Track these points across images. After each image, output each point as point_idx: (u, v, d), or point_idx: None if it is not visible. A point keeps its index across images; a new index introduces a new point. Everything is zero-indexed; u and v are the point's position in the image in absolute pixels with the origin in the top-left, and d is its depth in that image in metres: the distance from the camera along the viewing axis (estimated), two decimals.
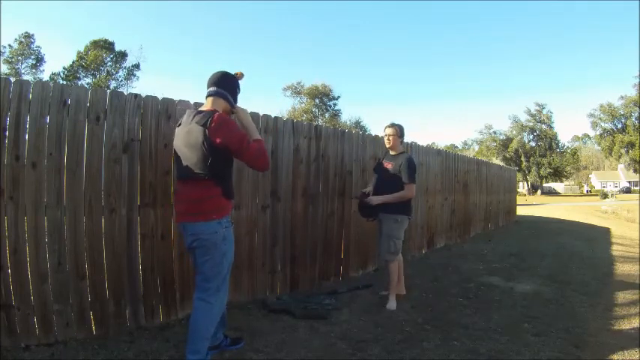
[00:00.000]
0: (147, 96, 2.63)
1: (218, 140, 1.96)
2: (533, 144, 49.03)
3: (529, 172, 48.75)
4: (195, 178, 2.01)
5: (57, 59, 72.89)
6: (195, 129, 2.00)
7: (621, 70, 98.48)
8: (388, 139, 3.41)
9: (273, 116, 3.39)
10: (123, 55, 34.45)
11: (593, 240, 7.49)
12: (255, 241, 3.23)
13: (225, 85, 2.17)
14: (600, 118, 45.54)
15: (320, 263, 3.78)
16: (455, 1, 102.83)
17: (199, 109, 2.18)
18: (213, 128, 1.96)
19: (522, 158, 48.12)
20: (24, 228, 2.18)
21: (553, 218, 12.47)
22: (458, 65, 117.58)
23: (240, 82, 2.25)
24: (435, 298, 3.47)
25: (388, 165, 3.35)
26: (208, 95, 2.15)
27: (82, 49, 33.11)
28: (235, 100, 2.22)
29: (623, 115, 43.56)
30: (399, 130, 3.41)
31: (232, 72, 2.23)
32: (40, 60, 32.71)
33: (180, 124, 2.15)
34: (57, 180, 2.28)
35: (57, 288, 2.27)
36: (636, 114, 41.63)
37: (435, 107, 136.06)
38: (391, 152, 3.45)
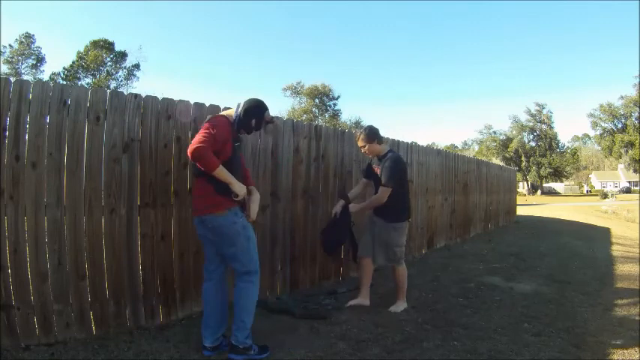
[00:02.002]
0: (147, 96, 2.63)
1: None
2: (533, 144, 49.00)
3: (529, 172, 48.74)
4: (195, 175, 2.26)
5: (57, 59, 72.99)
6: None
7: (621, 70, 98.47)
8: (364, 153, 3.22)
9: (272, 116, 3.38)
10: (123, 55, 34.42)
11: (593, 240, 7.49)
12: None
13: (247, 107, 2.34)
14: (600, 118, 45.51)
15: (320, 263, 3.78)
16: (455, 1, 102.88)
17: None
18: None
19: (522, 158, 48.11)
20: (24, 228, 2.18)
21: (553, 218, 12.47)
22: (458, 65, 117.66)
23: (265, 120, 2.46)
24: (435, 298, 3.47)
25: (377, 169, 3.15)
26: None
27: (82, 49, 33.13)
28: (243, 124, 2.35)
29: (623, 115, 43.52)
30: (368, 136, 3.11)
31: (269, 114, 2.47)
32: (40, 60, 32.70)
33: None
34: (57, 180, 2.28)
35: (57, 288, 2.27)
36: (636, 114, 41.58)
37: (435, 107, 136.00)
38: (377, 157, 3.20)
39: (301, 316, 2.88)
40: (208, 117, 2.31)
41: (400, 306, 3.15)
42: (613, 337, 2.68)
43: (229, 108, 2.50)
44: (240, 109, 2.33)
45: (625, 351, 2.45)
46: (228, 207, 2.21)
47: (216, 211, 2.19)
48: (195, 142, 2.10)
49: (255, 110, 2.37)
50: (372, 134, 3.14)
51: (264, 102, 2.44)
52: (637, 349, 2.47)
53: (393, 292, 3.30)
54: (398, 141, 5.03)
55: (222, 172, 2.16)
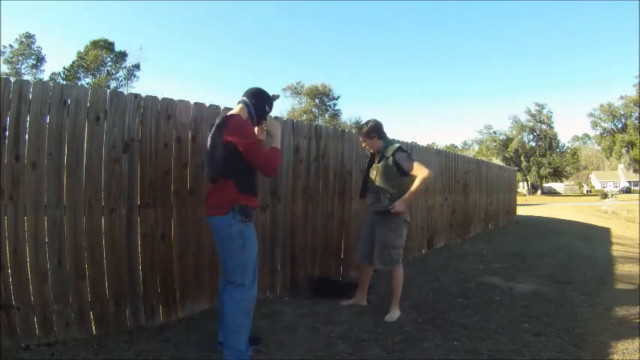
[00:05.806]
0: (147, 96, 2.63)
1: (229, 139, 2.09)
2: (533, 144, 49.02)
3: (529, 172, 48.73)
4: (216, 175, 2.17)
5: (57, 59, 73.00)
6: (216, 131, 2.18)
7: (621, 70, 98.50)
8: (366, 148, 3.18)
9: (272, 116, 3.38)
10: (123, 55, 34.40)
11: (593, 240, 7.49)
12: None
13: (254, 98, 2.32)
14: (600, 118, 45.57)
15: (320, 263, 3.78)
16: (455, 1, 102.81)
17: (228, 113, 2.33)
18: (227, 130, 2.12)
19: (522, 158, 48.10)
20: (24, 228, 2.18)
21: (553, 218, 12.46)
22: (458, 65, 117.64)
23: (274, 102, 2.42)
24: (435, 298, 3.46)
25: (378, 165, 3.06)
26: (238, 103, 2.34)
27: (82, 49, 33.12)
28: (260, 114, 2.35)
29: (623, 114, 43.56)
30: (370, 131, 3.06)
31: (271, 93, 2.41)
32: (40, 60, 32.69)
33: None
34: (57, 180, 2.28)
35: (57, 288, 2.27)
36: (636, 114, 41.63)
37: (435, 107, 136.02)
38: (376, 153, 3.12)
39: None
40: (232, 120, 2.16)
41: (395, 313, 2.98)
42: (613, 337, 2.68)
43: (230, 108, 2.49)
44: (249, 103, 2.30)
45: (625, 351, 2.45)
46: (232, 209, 2.11)
47: (226, 211, 2.11)
48: (261, 160, 2.13)
49: (263, 95, 2.37)
50: (375, 129, 3.07)
51: (259, 87, 2.42)
52: (637, 349, 2.47)
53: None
54: (398, 141, 5.03)
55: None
